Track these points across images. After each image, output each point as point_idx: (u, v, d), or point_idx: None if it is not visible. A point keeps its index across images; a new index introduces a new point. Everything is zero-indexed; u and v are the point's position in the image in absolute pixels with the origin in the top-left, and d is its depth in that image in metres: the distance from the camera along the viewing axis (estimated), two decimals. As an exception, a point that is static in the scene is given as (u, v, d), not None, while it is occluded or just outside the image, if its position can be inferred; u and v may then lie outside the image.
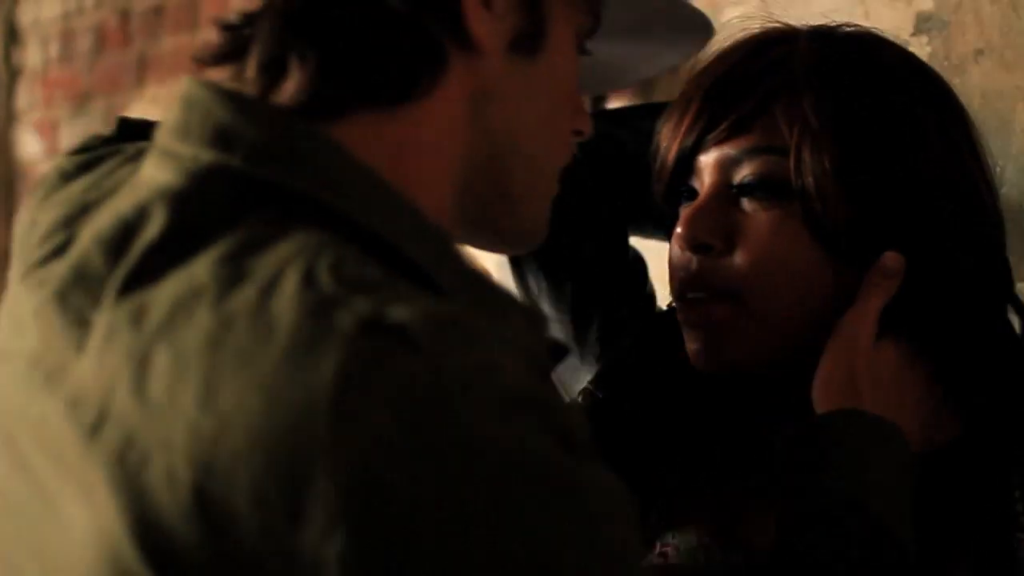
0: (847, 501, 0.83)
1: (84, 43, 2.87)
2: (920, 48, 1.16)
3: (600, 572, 0.58)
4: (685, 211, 0.94)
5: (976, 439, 0.91)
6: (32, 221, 0.72)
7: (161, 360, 0.58)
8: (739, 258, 0.91)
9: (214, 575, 0.55)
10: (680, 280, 0.93)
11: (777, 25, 0.99)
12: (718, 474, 0.99)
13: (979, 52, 1.17)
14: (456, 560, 0.55)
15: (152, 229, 0.63)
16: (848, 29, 0.98)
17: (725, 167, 0.93)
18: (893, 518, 0.83)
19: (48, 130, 3.00)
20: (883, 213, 0.90)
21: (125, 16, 2.75)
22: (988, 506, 0.89)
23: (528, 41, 0.75)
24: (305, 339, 0.55)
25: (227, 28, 0.74)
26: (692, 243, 0.92)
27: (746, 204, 0.92)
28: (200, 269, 0.61)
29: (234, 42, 0.74)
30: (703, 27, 0.97)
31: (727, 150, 0.93)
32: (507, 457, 0.56)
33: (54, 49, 2.97)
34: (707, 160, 0.94)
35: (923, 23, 1.23)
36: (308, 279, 0.58)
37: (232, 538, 0.55)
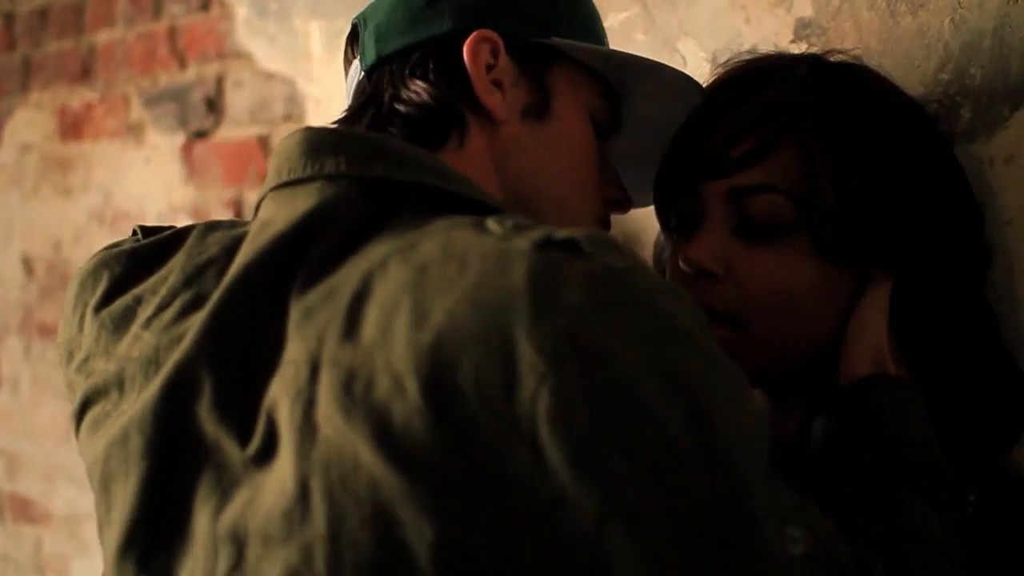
0: (898, 438, 0.92)
1: (-34, 47, 2.79)
2: (799, 54, 1.18)
3: (750, 427, 0.73)
4: (694, 238, 1.01)
5: None
6: (135, 298, 0.89)
7: (368, 311, 0.73)
8: (740, 286, 0.98)
9: (446, 452, 0.68)
10: None
11: (770, 54, 1.07)
12: None
13: (857, 59, 1.19)
14: (641, 403, 0.68)
15: (320, 235, 0.79)
16: (836, 60, 1.06)
17: (730, 200, 0.99)
18: (939, 457, 0.93)
19: (-70, 136, 2.91)
20: (881, 228, 0.97)
21: (9, 20, 2.69)
22: None
23: (536, 109, 0.96)
24: (494, 262, 0.70)
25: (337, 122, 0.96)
26: (696, 268, 0.99)
27: (748, 236, 0.98)
28: (377, 250, 0.76)
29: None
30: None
31: (733, 183, 0.99)
32: (675, 323, 0.71)
33: (-65, 53, 2.89)
34: (713, 190, 1.00)
35: (802, 29, 1.25)
36: (479, 229, 0.74)
37: (459, 417, 0.68)
